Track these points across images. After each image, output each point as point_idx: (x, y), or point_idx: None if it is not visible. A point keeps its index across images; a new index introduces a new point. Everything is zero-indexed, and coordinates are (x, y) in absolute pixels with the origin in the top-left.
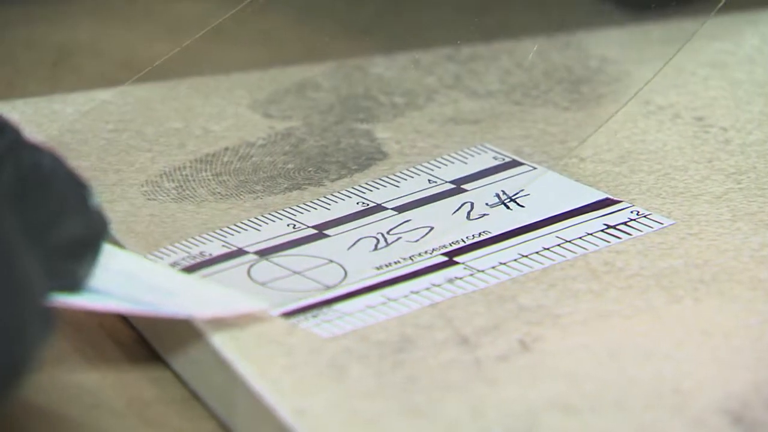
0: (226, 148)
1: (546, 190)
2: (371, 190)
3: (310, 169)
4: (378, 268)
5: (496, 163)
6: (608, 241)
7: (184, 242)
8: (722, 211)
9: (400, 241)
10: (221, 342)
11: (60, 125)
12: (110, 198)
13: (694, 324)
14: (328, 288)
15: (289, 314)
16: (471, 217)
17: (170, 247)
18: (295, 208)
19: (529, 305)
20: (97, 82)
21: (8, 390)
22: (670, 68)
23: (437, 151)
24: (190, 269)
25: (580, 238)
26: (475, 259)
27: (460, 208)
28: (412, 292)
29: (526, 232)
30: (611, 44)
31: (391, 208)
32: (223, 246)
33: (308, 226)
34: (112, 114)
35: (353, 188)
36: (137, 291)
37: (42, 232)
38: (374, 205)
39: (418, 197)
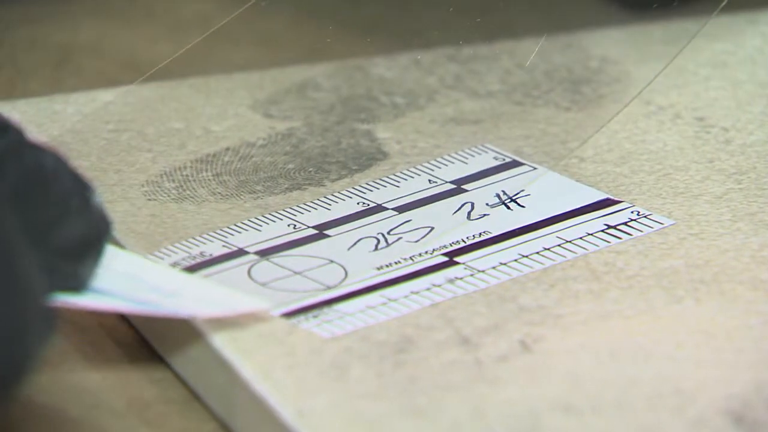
0: (227, 149)
1: (546, 191)
2: (372, 191)
3: (310, 169)
4: (378, 269)
5: (497, 163)
6: (609, 242)
7: (184, 242)
8: (723, 211)
9: (400, 241)
10: (222, 342)
11: (61, 125)
12: (110, 198)
13: (695, 324)
14: (328, 288)
15: (289, 314)
16: (471, 218)
17: (170, 248)
18: (296, 208)
19: (529, 305)
20: (98, 82)
21: (10, 390)
22: (670, 68)
23: (438, 151)
24: (190, 269)
25: (580, 238)
26: (475, 259)
27: (460, 208)
28: (413, 293)
29: (526, 232)
30: (612, 44)
31: (392, 209)
32: (224, 246)
33: (309, 227)
34: (112, 114)
35: (354, 188)
36: (140, 291)
37: (45, 232)
38: (375, 205)
39: (419, 197)
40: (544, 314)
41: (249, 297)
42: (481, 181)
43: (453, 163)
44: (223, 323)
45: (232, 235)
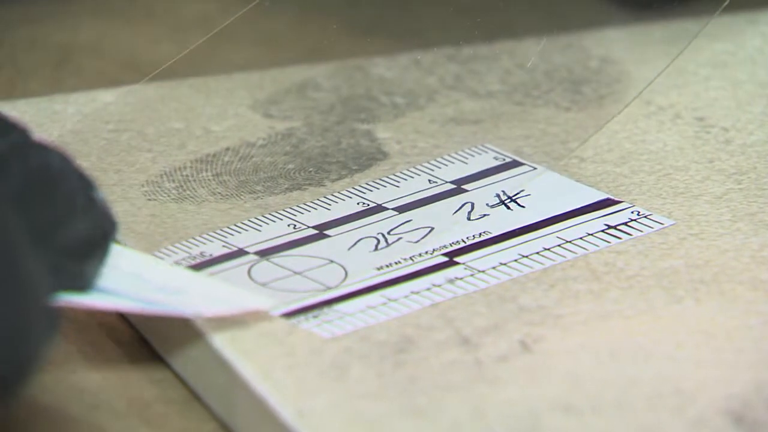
0: (227, 149)
1: (546, 191)
2: (372, 191)
3: (310, 169)
4: (378, 269)
5: (497, 163)
6: (609, 242)
7: (184, 242)
8: (723, 211)
9: (400, 241)
10: (222, 342)
11: (61, 125)
12: (111, 198)
13: (695, 324)
14: (328, 288)
15: (289, 314)
16: (471, 218)
17: (171, 248)
18: (296, 208)
19: (529, 305)
20: (98, 82)
21: (13, 390)
22: (671, 68)
23: (438, 151)
24: (191, 269)
25: (580, 238)
26: (475, 259)
27: (460, 208)
28: (413, 293)
29: (526, 232)
30: (612, 44)
31: (392, 209)
32: (224, 246)
33: (309, 227)
34: (112, 114)
35: (354, 188)
36: (145, 290)
37: (50, 232)
38: (375, 205)
39: (419, 197)
40: (544, 314)
41: (253, 294)
42: (481, 181)
43: (453, 163)
44: (223, 323)
45: (232, 235)
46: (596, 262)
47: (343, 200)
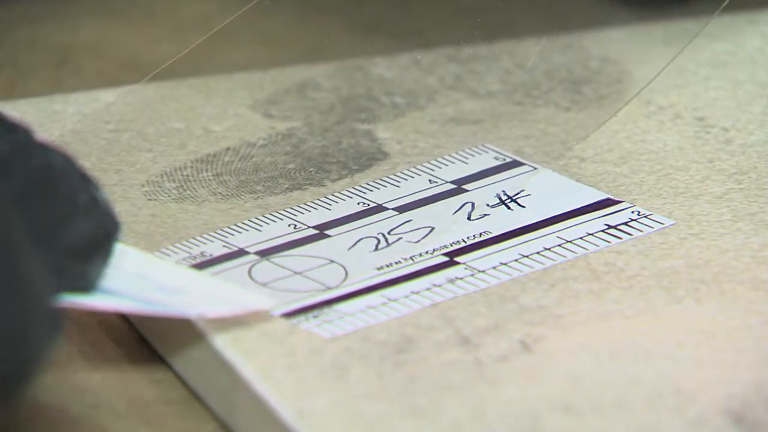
0: (227, 149)
1: (547, 191)
2: (372, 191)
3: (311, 169)
4: (379, 269)
5: (497, 163)
6: (609, 242)
7: (184, 242)
8: (723, 211)
9: (400, 241)
10: (222, 343)
11: (61, 125)
12: (111, 198)
13: (695, 324)
14: (328, 288)
15: (289, 315)
16: (472, 218)
17: (171, 248)
18: (296, 208)
19: (530, 305)
20: (98, 82)
21: (14, 391)
22: (671, 68)
23: (438, 151)
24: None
25: (580, 238)
26: (475, 259)
27: (460, 208)
28: (413, 293)
29: (526, 232)
30: (612, 44)
31: (392, 209)
32: (224, 246)
33: (309, 227)
34: (112, 114)
35: (354, 188)
36: (147, 290)
37: (53, 232)
38: (375, 205)
39: (419, 197)
40: (544, 314)
41: (255, 294)
42: (481, 181)
43: (453, 163)
44: (223, 323)
45: (233, 235)
46: (596, 262)
47: (344, 200)
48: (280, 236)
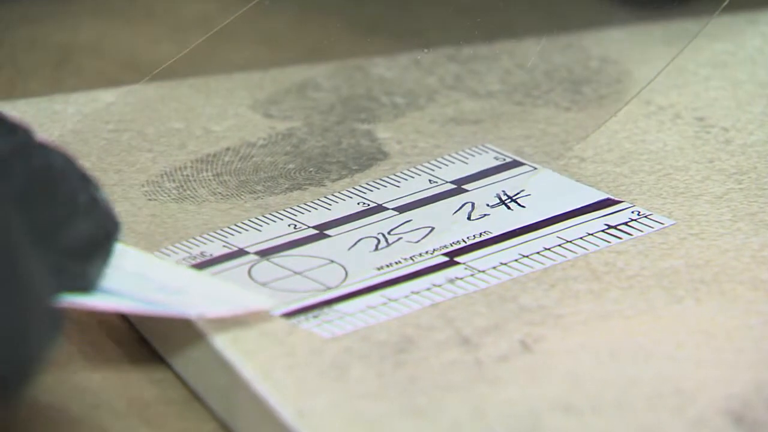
0: (227, 149)
1: (547, 191)
2: (372, 191)
3: (311, 169)
4: (379, 269)
5: (497, 163)
6: (609, 242)
7: (184, 242)
8: (723, 211)
9: (400, 241)
10: (222, 343)
11: (61, 125)
12: (111, 198)
13: (695, 324)
14: (328, 288)
15: (289, 315)
16: (472, 218)
17: (171, 248)
18: (296, 208)
19: (530, 305)
20: (98, 82)
21: (14, 391)
22: (671, 68)
23: (438, 151)
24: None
25: (580, 238)
26: (475, 259)
27: (460, 208)
28: (413, 293)
29: (526, 232)
30: (612, 44)
31: (392, 209)
32: (224, 246)
33: (309, 227)
34: (112, 114)
35: (354, 188)
36: (147, 290)
37: (53, 232)
38: (375, 205)
39: (419, 197)
40: (544, 314)
41: (255, 294)
42: (481, 181)
43: (453, 163)
44: (223, 323)
45: (233, 235)
46: (596, 262)
47: (344, 200)
48: (280, 236)
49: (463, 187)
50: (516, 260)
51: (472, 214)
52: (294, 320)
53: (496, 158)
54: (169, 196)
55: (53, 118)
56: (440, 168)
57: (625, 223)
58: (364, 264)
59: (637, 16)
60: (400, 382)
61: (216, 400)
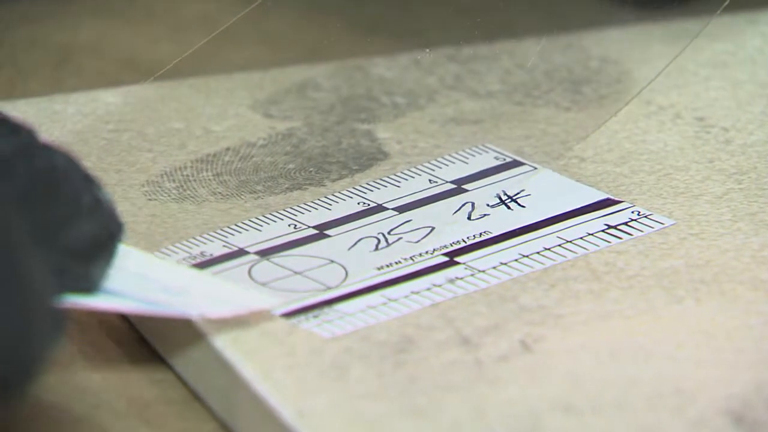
0: (227, 149)
1: (547, 191)
2: (372, 191)
3: (311, 169)
4: (379, 269)
5: (497, 163)
6: (609, 242)
7: (184, 242)
8: (723, 211)
9: (400, 241)
10: (222, 342)
11: (61, 125)
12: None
13: (695, 324)
14: (329, 288)
15: (290, 314)
16: (472, 218)
17: (171, 247)
18: (296, 208)
19: (530, 305)
20: (98, 82)
21: (16, 391)
22: (671, 68)
23: (438, 151)
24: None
25: (581, 238)
26: (476, 259)
27: (461, 208)
28: (413, 293)
29: (527, 232)
30: (613, 44)
31: (392, 209)
32: (224, 246)
33: (309, 227)
34: (112, 114)
35: (354, 188)
36: (149, 291)
37: (55, 233)
38: (375, 205)
39: (419, 197)
40: (544, 314)
41: (257, 294)
42: (481, 181)
43: (453, 163)
44: (223, 323)
45: (233, 235)
46: (596, 262)
47: (344, 200)
48: (280, 236)
49: (463, 187)
50: (516, 260)
51: (472, 214)
52: (294, 320)
53: (496, 158)
54: (169, 196)
55: (53, 119)
56: (440, 168)
57: (625, 223)
58: (364, 264)
59: (637, 16)
60: (400, 382)
61: (216, 400)
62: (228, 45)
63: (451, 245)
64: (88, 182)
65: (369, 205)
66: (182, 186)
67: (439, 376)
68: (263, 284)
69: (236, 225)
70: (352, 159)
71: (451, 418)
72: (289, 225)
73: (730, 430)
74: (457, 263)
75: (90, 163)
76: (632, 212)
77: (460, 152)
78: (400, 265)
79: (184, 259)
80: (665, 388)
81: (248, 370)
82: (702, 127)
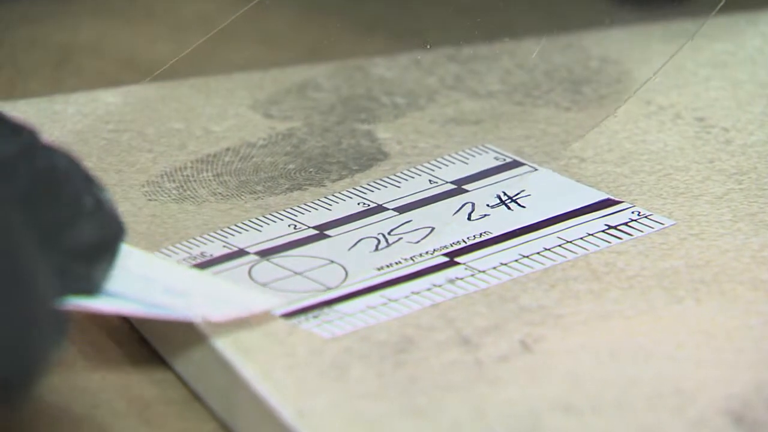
0: (227, 149)
1: (547, 191)
2: (372, 191)
3: (311, 169)
4: (379, 269)
5: (497, 163)
6: (609, 242)
7: (185, 243)
8: (723, 211)
9: (401, 241)
10: (222, 343)
11: (61, 125)
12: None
13: (695, 324)
14: (329, 288)
15: (290, 315)
16: (472, 218)
17: (171, 248)
18: (296, 208)
19: (530, 305)
20: (98, 82)
21: (18, 393)
22: (671, 68)
23: (438, 151)
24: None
25: (581, 238)
26: (476, 259)
27: (461, 208)
28: (413, 293)
29: (527, 232)
30: (612, 44)
31: (392, 209)
32: (224, 246)
33: (309, 227)
34: (112, 114)
35: (354, 189)
36: (152, 293)
37: (57, 234)
38: (375, 205)
39: (419, 198)
40: (544, 314)
41: (259, 294)
42: (481, 181)
43: (453, 163)
44: (224, 324)
45: (233, 235)
46: (597, 262)
47: (344, 200)
48: (280, 236)
49: (463, 187)
50: (516, 260)
51: (473, 214)
52: (294, 320)
53: (496, 158)
54: (169, 196)
55: (53, 119)
56: (440, 168)
57: (626, 224)
58: (364, 264)
59: (637, 16)
60: (400, 382)
61: (216, 400)
62: (228, 45)
63: (451, 245)
64: (89, 183)
65: (369, 205)
66: (182, 186)
67: (439, 376)
68: (263, 285)
69: (236, 225)
70: (352, 159)
71: (451, 418)
72: (289, 225)
73: (730, 430)
74: (457, 263)
75: (90, 163)
76: (632, 212)
77: (460, 152)
78: (400, 265)
79: (184, 259)
80: (665, 388)
81: (248, 370)
82: (702, 128)
